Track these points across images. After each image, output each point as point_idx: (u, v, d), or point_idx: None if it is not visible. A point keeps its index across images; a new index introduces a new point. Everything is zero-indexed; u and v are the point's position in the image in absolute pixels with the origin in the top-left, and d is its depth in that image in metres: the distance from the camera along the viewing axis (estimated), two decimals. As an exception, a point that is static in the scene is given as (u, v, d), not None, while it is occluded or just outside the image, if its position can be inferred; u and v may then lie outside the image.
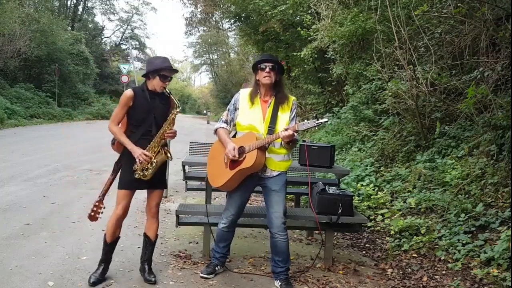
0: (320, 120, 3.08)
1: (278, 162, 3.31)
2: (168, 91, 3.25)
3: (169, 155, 3.26)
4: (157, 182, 3.30)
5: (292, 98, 3.37)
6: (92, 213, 3.33)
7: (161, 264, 3.71)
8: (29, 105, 20.22)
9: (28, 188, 6.31)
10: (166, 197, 6.42)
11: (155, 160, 3.15)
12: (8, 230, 4.35)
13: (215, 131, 3.43)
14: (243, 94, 3.40)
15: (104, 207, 3.36)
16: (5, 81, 20.67)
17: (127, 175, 3.21)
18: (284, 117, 3.29)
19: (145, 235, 3.42)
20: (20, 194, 5.90)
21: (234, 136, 3.43)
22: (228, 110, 3.44)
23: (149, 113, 3.21)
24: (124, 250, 3.85)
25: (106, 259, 3.34)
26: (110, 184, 3.30)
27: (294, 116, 3.34)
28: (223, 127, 3.40)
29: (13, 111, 18.03)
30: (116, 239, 3.37)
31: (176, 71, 3.37)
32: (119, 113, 3.22)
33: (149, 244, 3.41)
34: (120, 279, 3.35)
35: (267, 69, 3.25)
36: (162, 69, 3.18)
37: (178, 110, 3.26)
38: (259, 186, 3.41)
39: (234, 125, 3.42)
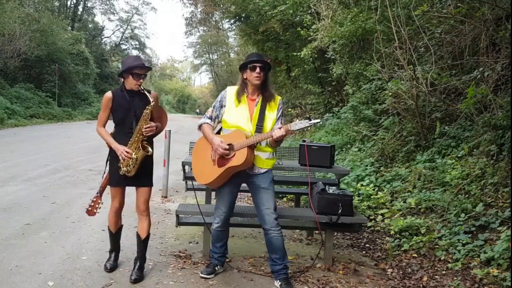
0: (313, 121, 3.08)
1: (265, 159, 3.33)
2: (143, 89, 3.32)
3: (149, 150, 3.32)
4: (142, 179, 3.39)
5: (279, 98, 3.39)
6: (90, 208, 3.49)
7: (161, 264, 3.71)
8: (29, 105, 20.21)
9: (28, 188, 6.31)
10: (166, 197, 6.43)
11: (135, 156, 3.26)
12: (8, 230, 4.34)
13: (199, 127, 3.42)
14: (230, 91, 3.39)
15: (102, 203, 3.51)
16: (5, 81, 20.66)
17: (115, 173, 3.36)
18: (271, 116, 3.30)
19: (136, 234, 3.48)
20: (20, 194, 5.90)
21: (218, 132, 3.41)
22: (214, 106, 3.42)
23: (129, 112, 3.32)
24: (124, 250, 3.84)
25: (115, 247, 3.61)
26: (107, 181, 3.47)
27: (280, 115, 3.35)
28: (207, 123, 3.39)
29: (13, 111, 18.03)
30: (119, 228, 3.60)
31: (149, 68, 3.43)
32: (102, 115, 3.39)
33: (138, 242, 3.45)
34: (120, 279, 3.35)
35: (258, 70, 3.24)
36: (133, 68, 3.27)
37: (151, 105, 3.31)
38: (246, 184, 3.42)
39: (219, 122, 3.42)
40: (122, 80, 3.38)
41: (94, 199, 3.49)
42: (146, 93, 3.31)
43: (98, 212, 3.53)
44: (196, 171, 3.45)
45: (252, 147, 3.20)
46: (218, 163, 3.25)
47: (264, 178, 3.32)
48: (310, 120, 3.09)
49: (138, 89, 3.30)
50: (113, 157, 3.36)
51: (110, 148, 3.37)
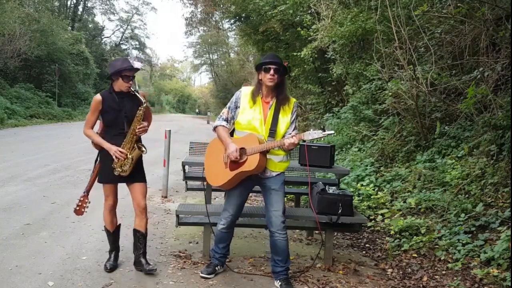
0: (327, 132, 3.06)
1: (278, 163, 3.30)
2: (133, 90, 3.39)
3: (143, 149, 3.44)
4: (136, 175, 3.45)
5: (293, 100, 3.35)
6: (77, 208, 3.51)
7: (161, 264, 3.71)
8: (29, 105, 20.23)
9: (28, 188, 6.31)
10: (166, 197, 6.42)
11: (130, 156, 3.34)
12: (8, 230, 4.35)
13: (214, 129, 3.41)
14: (245, 92, 3.36)
15: (90, 202, 3.53)
16: (5, 81, 20.67)
17: (108, 171, 3.38)
18: (285, 120, 3.27)
19: (135, 230, 3.49)
20: (20, 194, 5.90)
21: (232, 133, 3.40)
22: (229, 108, 3.39)
23: (119, 113, 3.37)
24: (124, 250, 3.85)
25: (114, 247, 3.60)
26: (94, 180, 3.51)
27: (294, 119, 3.32)
28: (223, 125, 3.37)
29: (13, 111, 18.04)
30: (117, 227, 3.62)
31: (137, 69, 3.49)
32: (91, 117, 3.43)
33: (142, 237, 3.47)
34: (120, 279, 3.35)
35: (272, 72, 3.19)
36: (123, 70, 3.32)
37: (144, 106, 3.40)
38: (258, 185, 3.41)
39: (234, 123, 3.40)
40: (111, 82, 3.43)
41: (81, 198, 3.51)
42: (137, 94, 3.40)
43: (86, 211, 3.55)
44: (208, 173, 3.45)
45: (264, 153, 3.19)
46: (230, 167, 3.25)
47: (275, 180, 3.31)
48: (324, 130, 3.06)
49: (128, 90, 3.36)
50: (104, 155, 3.39)
51: (101, 148, 3.40)
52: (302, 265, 3.89)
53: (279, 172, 3.32)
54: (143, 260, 3.44)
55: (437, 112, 6.04)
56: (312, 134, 3.06)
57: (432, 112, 6.11)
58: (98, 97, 3.40)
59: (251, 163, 3.15)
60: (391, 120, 7.02)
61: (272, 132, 3.22)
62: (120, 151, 3.29)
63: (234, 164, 3.22)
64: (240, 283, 3.44)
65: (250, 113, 3.28)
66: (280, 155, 3.30)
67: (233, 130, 3.42)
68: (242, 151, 3.19)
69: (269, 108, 3.27)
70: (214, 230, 3.69)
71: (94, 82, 30.88)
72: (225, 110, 3.42)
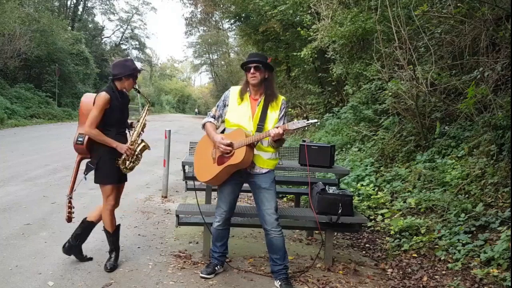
0: (310, 121, 3.10)
1: (267, 159, 3.33)
2: (137, 89, 3.59)
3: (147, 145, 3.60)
4: (125, 175, 3.57)
5: (282, 98, 3.39)
6: (69, 215, 3.57)
7: (161, 264, 3.71)
8: (29, 105, 20.21)
9: (28, 188, 6.31)
10: (166, 197, 6.43)
11: (138, 152, 3.46)
12: (8, 230, 4.35)
13: (203, 126, 3.46)
14: (233, 91, 3.43)
15: (74, 207, 3.62)
16: (5, 81, 20.66)
17: (112, 171, 3.42)
18: (273, 116, 3.30)
19: (92, 223, 3.65)
20: (20, 194, 5.90)
21: (223, 132, 3.44)
22: (218, 106, 3.47)
23: (123, 112, 3.48)
24: (124, 250, 3.85)
25: (115, 247, 3.61)
26: (73, 185, 3.55)
27: (283, 115, 3.35)
28: (210, 122, 3.42)
29: (13, 111, 18.03)
30: (117, 227, 3.63)
31: (141, 69, 3.74)
32: (98, 116, 3.30)
33: (90, 227, 3.67)
34: (120, 279, 3.35)
35: (252, 70, 3.27)
36: (136, 71, 3.45)
37: (148, 105, 3.64)
38: (248, 184, 3.44)
39: (223, 121, 3.46)
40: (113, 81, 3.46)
41: (69, 204, 3.56)
42: (141, 94, 3.71)
43: (74, 217, 3.62)
44: (197, 169, 3.48)
45: (251, 146, 3.22)
46: (217, 161, 3.28)
47: (265, 178, 3.33)
48: (308, 120, 3.12)
49: (130, 89, 3.54)
50: (106, 155, 3.39)
51: (101, 148, 3.38)
52: (302, 265, 3.89)
53: (268, 170, 3.35)
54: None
55: (437, 112, 6.04)
56: (296, 124, 3.11)
57: (432, 112, 6.11)
58: (106, 95, 3.32)
59: (237, 156, 3.18)
60: (391, 120, 7.03)
61: (260, 128, 3.26)
62: (130, 148, 3.37)
63: (222, 158, 3.26)
64: (240, 283, 3.44)
65: (239, 110, 3.34)
66: (269, 152, 3.33)
67: (224, 129, 3.46)
68: (230, 145, 3.23)
69: (257, 105, 3.33)
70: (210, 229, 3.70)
71: (94, 82, 30.87)
72: (214, 108, 3.50)
